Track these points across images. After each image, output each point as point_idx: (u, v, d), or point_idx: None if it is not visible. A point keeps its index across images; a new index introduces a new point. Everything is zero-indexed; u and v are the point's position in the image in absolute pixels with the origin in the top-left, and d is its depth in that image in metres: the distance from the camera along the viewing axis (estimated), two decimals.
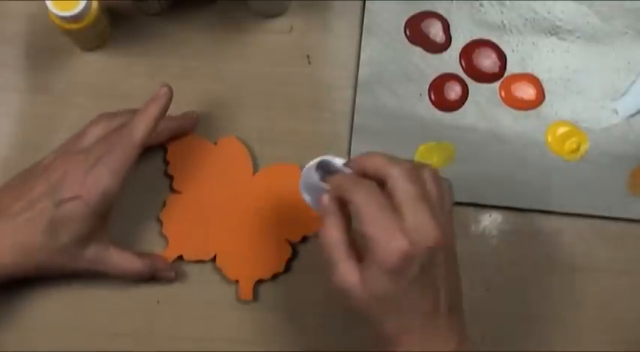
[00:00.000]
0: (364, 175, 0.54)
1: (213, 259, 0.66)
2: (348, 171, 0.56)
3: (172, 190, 0.67)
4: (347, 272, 0.53)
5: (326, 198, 0.55)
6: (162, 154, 0.67)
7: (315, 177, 0.57)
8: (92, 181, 0.59)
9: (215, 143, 0.67)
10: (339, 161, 0.56)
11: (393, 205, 0.52)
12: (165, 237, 0.66)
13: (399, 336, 0.53)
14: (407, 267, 0.51)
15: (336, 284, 0.53)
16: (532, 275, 0.68)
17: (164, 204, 0.66)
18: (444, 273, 0.53)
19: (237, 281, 0.66)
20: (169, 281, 0.65)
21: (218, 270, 0.66)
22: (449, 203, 0.55)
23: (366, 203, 0.52)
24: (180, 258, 0.66)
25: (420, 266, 0.51)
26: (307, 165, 0.57)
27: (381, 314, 0.53)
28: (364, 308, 0.53)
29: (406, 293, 0.52)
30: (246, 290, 0.65)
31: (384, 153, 0.55)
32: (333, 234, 0.54)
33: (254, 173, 0.67)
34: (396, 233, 0.51)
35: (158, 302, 0.66)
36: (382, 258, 0.51)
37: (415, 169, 0.53)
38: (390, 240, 0.51)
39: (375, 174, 0.54)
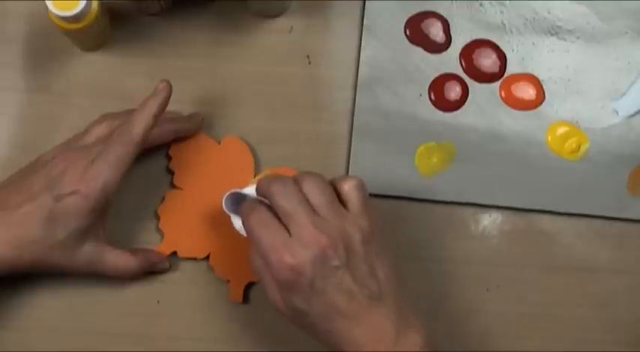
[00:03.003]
0: None
1: (207, 258, 0.66)
2: (257, 197, 0.58)
3: (172, 186, 0.67)
4: (272, 293, 0.56)
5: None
6: (165, 150, 0.67)
7: (226, 210, 0.60)
8: (91, 176, 0.59)
9: (219, 142, 0.67)
10: (251, 189, 0.59)
11: (280, 222, 0.55)
12: (161, 232, 0.66)
13: (335, 343, 0.55)
14: (299, 279, 0.54)
15: (273, 305, 0.56)
16: (532, 275, 0.68)
17: (163, 199, 0.66)
18: (353, 270, 0.54)
19: (228, 281, 0.66)
20: (164, 272, 0.66)
21: (210, 269, 0.66)
22: (358, 199, 0.57)
23: (255, 227, 0.55)
24: (175, 254, 0.66)
25: (312, 275, 0.54)
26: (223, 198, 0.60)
27: (308, 326, 0.56)
28: (295, 324, 0.57)
29: (314, 302, 0.54)
30: (236, 291, 0.65)
31: (273, 174, 0.58)
32: (255, 259, 0.56)
33: (254, 174, 0.67)
34: (280, 249, 0.54)
35: (158, 302, 0.66)
36: (276, 277, 0.54)
37: (293, 183, 0.56)
38: (275, 258, 0.54)
39: (264, 196, 0.57)
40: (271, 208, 0.56)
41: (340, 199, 0.57)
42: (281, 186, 0.56)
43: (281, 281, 0.54)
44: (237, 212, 0.60)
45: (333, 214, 0.55)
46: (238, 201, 0.60)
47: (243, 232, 0.59)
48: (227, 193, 0.60)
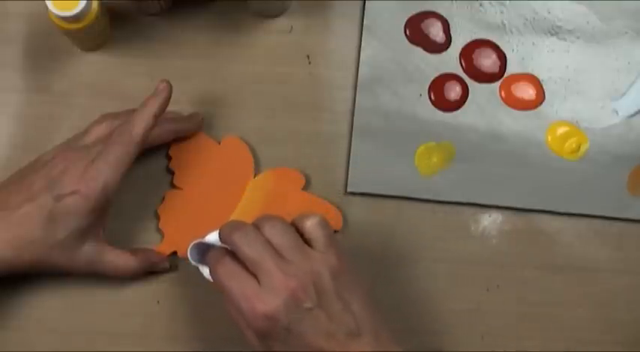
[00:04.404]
0: None
1: None
2: (221, 245, 0.58)
3: (172, 186, 0.67)
4: (251, 339, 0.56)
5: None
6: (165, 149, 0.67)
7: (192, 261, 0.60)
8: (91, 176, 0.59)
9: (219, 142, 0.67)
10: (214, 236, 0.58)
11: (247, 271, 0.55)
12: (161, 232, 0.66)
13: None
14: (274, 326, 0.54)
15: (253, 349, 0.56)
16: (532, 275, 0.68)
17: (163, 199, 0.66)
18: (327, 309, 0.54)
19: None
20: (164, 272, 0.66)
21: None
22: (322, 236, 0.56)
23: (224, 279, 0.55)
24: (175, 254, 0.66)
25: (287, 320, 0.54)
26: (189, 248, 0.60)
27: None
28: None
29: (292, 345, 0.54)
30: None
31: (231, 221, 0.57)
32: (229, 308, 0.56)
33: (255, 174, 0.67)
34: (251, 299, 0.54)
35: (158, 302, 0.66)
36: (252, 326, 0.54)
37: (254, 230, 0.56)
38: (248, 309, 0.54)
39: (228, 245, 0.57)
40: (236, 257, 0.56)
41: (304, 238, 0.57)
42: (242, 234, 0.55)
43: (257, 329, 0.54)
44: (203, 261, 0.60)
45: (298, 255, 0.55)
46: (203, 250, 0.59)
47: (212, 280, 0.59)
48: (190, 245, 0.59)
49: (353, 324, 0.55)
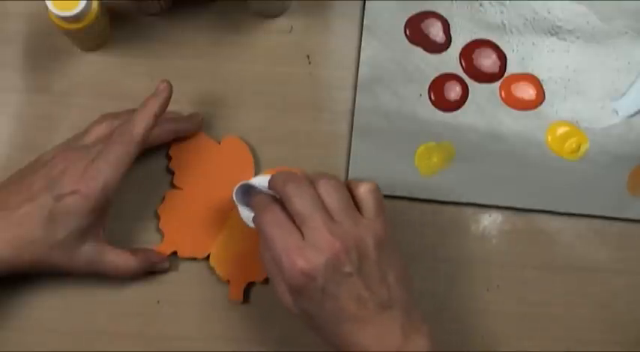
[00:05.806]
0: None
1: (207, 258, 0.66)
2: (267, 191, 0.58)
3: (172, 186, 0.67)
4: (282, 293, 0.55)
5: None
6: (165, 150, 0.67)
7: (235, 200, 0.60)
8: (91, 176, 0.59)
9: (219, 142, 0.67)
10: (262, 180, 0.58)
11: (294, 224, 0.54)
12: (161, 232, 0.66)
13: (341, 344, 0.55)
14: (310, 284, 0.53)
15: (280, 303, 0.56)
16: (532, 275, 0.68)
17: (163, 199, 0.66)
18: (365, 276, 0.54)
19: (228, 282, 0.66)
20: (164, 272, 0.66)
21: (210, 269, 0.66)
22: (373, 204, 0.56)
23: (268, 227, 0.55)
24: (175, 254, 0.66)
25: (324, 280, 0.53)
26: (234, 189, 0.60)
27: (314, 326, 0.56)
28: (304, 322, 0.56)
29: (323, 306, 0.54)
30: (236, 291, 0.65)
31: (285, 171, 0.57)
32: (265, 255, 0.56)
33: (255, 174, 0.67)
34: (293, 253, 0.53)
35: (158, 302, 0.66)
36: (287, 280, 0.54)
37: (309, 185, 0.55)
38: (288, 262, 0.53)
39: (277, 194, 0.56)
40: (284, 207, 0.55)
41: (354, 202, 0.56)
42: (296, 186, 0.55)
43: (292, 285, 0.54)
44: (244, 202, 0.60)
45: (348, 219, 0.55)
46: (247, 192, 0.59)
47: (249, 223, 0.59)
48: (238, 185, 0.59)
49: (386, 296, 0.54)
